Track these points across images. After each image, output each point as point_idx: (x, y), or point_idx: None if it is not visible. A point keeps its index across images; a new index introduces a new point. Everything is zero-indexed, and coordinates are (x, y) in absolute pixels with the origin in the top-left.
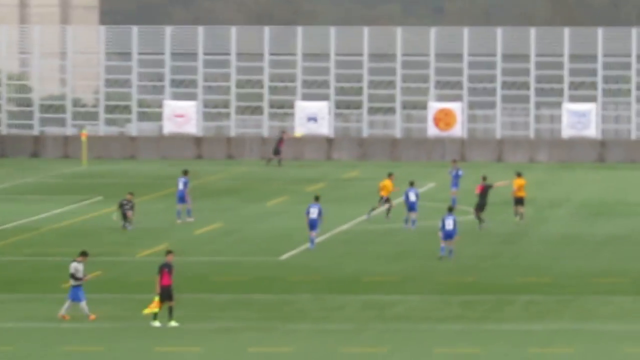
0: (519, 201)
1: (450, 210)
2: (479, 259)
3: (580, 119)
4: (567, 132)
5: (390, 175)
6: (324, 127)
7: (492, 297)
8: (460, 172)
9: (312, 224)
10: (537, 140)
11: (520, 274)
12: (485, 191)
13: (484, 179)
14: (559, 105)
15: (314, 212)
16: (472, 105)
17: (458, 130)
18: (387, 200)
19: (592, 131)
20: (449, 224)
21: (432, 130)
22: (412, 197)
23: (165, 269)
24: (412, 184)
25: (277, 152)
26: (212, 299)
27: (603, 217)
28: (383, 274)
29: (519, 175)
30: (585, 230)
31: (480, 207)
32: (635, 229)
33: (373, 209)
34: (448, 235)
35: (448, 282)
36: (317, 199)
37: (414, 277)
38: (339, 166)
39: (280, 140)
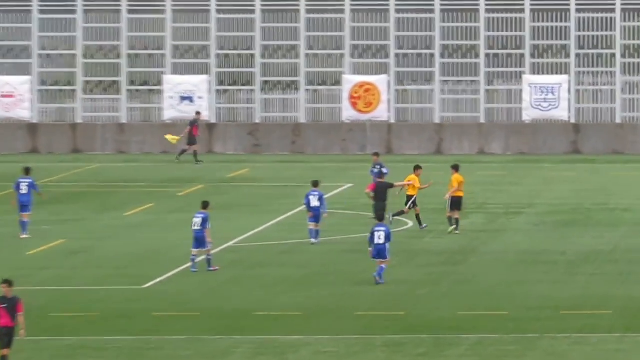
0: (456, 203)
1: (381, 218)
2: (412, 285)
3: (546, 96)
4: (529, 113)
5: (416, 169)
6: (203, 110)
7: (429, 336)
8: (385, 170)
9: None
10: (490, 125)
11: (467, 305)
12: (382, 190)
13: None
14: (518, 77)
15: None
16: (401, 79)
17: (383, 112)
18: (414, 202)
19: (563, 112)
20: (380, 237)
21: (348, 113)
22: (315, 202)
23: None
24: (315, 184)
25: (191, 141)
26: (51, 343)
27: (577, 227)
28: (283, 307)
29: (455, 169)
30: (554, 246)
31: (379, 212)
32: (619, 242)
33: (400, 213)
34: (379, 252)
35: (370, 317)
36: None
37: (324, 311)
38: (223, 161)
39: (193, 125)
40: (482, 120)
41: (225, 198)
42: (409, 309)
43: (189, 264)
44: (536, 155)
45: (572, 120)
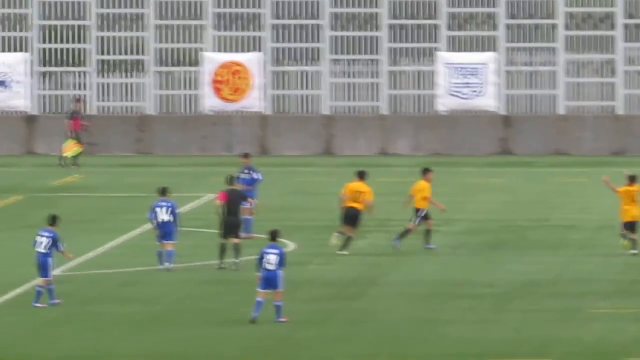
0: (351, 218)
1: (274, 236)
2: (294, 326)
3: (468, 79)
4: (445, 102)
5: (426, 172)
6: (19, 98)
7: None
8: (256, 176)
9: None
10: (394, 117)
11: (366, 350)
12: (235, 202)
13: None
14: (430, 55)
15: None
16: (279, 58)
17: (255, 100)
18: (425, 216)
19: (489, 101)
20: (270, 261)
21: (210, 102)
22: (164, 215)
23: None
24: (163, 192)
25: (75, 137)
26: None
27: (508, 250)
28: (125, 354)
29: (360, 176)
30: (478, 274)
31: (228, 230)
32: (562, 270)
33: (406, 232)
34: (269, 281)
35: None
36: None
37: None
38: (46, 165)
39: (74, 117)
40: (385, 112)
41: (49, 212)
42: (289, 356)
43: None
44: (454, 156)
45: (502, 111)
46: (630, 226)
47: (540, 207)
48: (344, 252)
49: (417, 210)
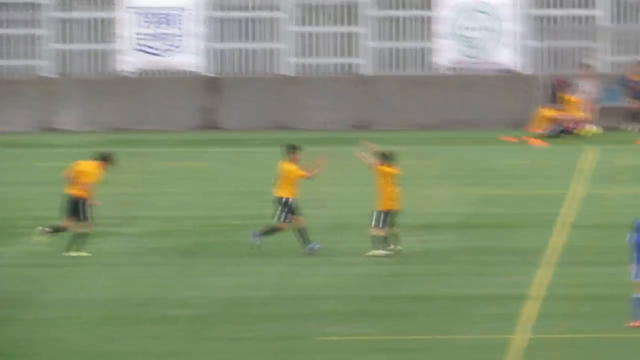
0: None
1: None
2: None
3: (160, 29)
4: (130, 60)
5: (292, 151)
6: None
7: None
8: None
9: None
10: (62, 80)
11: None
12: None
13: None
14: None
15: None
16: None
17: None
18: (286, 204)
19: (188, 58)
20: None
21: None
22: None
23: None
24: None
25: None
26: None
27: (209, 257)
28: None
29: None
30: (167, 291)
31: None
32: (282, 283)
33: (270, 231)
34: None
35: None
36: None
37: None
38: None
39: None
40: (48, 73)
41: None
42: None
43: None
44: (140, 132)
45: (207, 72)
46: (389, 217)
47: (254, 201)
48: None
49: (280, 200)
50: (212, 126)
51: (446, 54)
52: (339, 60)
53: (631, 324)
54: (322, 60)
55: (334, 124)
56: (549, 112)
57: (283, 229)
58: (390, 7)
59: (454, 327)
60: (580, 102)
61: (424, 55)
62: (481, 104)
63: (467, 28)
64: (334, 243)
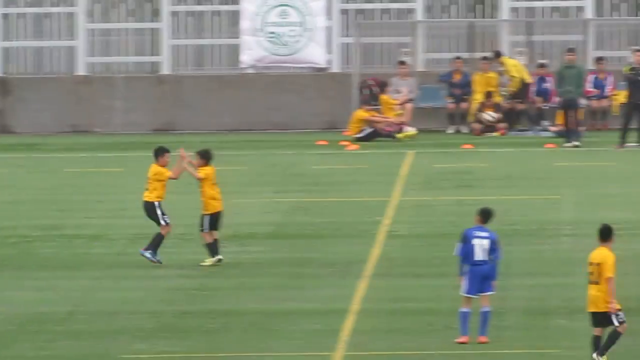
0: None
1: None
2: None
3: None
4: None
5: (160, 153)
6: None
7: None
8: None
9: None
10: None
11: None
12: None
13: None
14: None
15: None
16: None
17: None
18: (155, 208)
19: None
20: None
21: None
22: None
23: None
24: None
25: None
26: None
27: (3, 270)
28: None
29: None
30: None
31: None
32: (87, 297)
33: (156, 242)
34: None
35: None
36: None
37: None
38: None
39: None
40: None
41: None
42: None
43: None
44: None
45: None
46: (216, 221)
47: (50, 210)
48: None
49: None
50: (3, 130)
51: (253, 51)
52: (139, 58)
53: (458, 340)
54: (121, 59)
55: (133, 127)
56: (364, 114)
57: (166, 233)
58: (193, 2)
59: (270, 344)
60: (397, 102)
61: (229, 53)
62: (293, 105)
63: (275, 24)
64: (136, 254)
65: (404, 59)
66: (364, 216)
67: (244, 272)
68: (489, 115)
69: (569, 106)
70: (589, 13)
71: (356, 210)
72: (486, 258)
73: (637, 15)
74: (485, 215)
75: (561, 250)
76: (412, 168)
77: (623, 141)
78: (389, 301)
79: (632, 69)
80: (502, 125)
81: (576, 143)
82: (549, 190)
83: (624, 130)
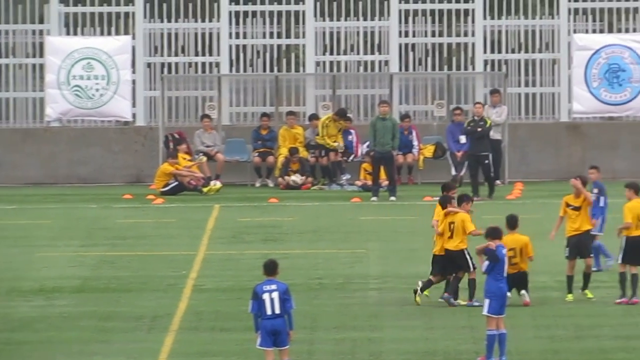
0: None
1: None
2: None
3: None
4: None
5: (449, 200)
6: None
7: None
8: None
9: None
10: None
11: None
12: None
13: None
14: None
15: None
16: None
17: None
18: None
19: None
20: None
21: None
22: None
23: None
24: None
25: None
26: None
27: None
28: None
29: None
30: None
31: None
32: None
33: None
34: None
35: None
36: None
37: None
38: None
39: None
40: None
41: None
42: None
43: None
44: None
45: None
46: None
47: None
48: None
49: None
50: None
51: (58, 104)
52: None
53: None
54: None
55: None
56: (169, 168)
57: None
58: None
59: None
60: (189, 158)
61: (35, 105)
62: (98, 158)
63: (80, 77)
64: None
65: (208, 112)
66: (170, 270)
67: (51, 326)
68: (296, 177)
69: (385, 159)
70: (394, 67)
71: (163, 264)
72: (278, 311)
73: (442, 70)
74: (270, 268)
75: (368, 304)
76: (218, 222)
77: (475, 194)
78: (195, 355)
79: (472, 121)
80: (308, 180)
81: (393, 198)
82: (355, 244)
83: (474, 185)
